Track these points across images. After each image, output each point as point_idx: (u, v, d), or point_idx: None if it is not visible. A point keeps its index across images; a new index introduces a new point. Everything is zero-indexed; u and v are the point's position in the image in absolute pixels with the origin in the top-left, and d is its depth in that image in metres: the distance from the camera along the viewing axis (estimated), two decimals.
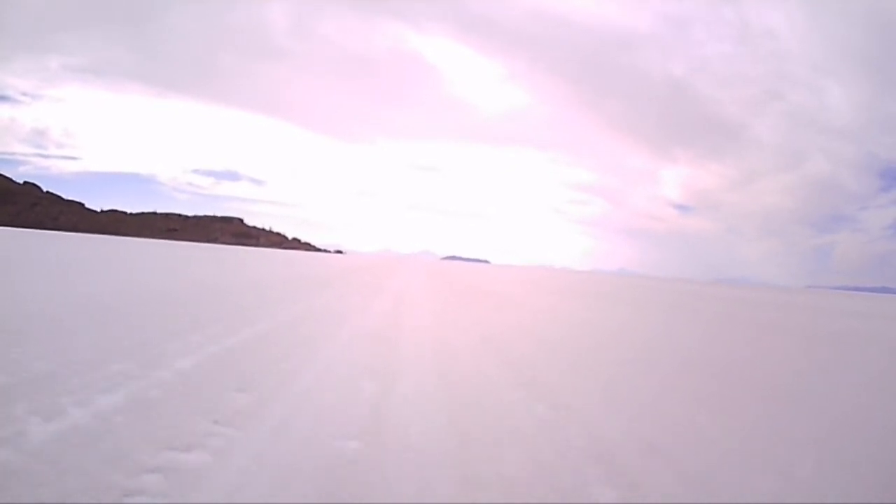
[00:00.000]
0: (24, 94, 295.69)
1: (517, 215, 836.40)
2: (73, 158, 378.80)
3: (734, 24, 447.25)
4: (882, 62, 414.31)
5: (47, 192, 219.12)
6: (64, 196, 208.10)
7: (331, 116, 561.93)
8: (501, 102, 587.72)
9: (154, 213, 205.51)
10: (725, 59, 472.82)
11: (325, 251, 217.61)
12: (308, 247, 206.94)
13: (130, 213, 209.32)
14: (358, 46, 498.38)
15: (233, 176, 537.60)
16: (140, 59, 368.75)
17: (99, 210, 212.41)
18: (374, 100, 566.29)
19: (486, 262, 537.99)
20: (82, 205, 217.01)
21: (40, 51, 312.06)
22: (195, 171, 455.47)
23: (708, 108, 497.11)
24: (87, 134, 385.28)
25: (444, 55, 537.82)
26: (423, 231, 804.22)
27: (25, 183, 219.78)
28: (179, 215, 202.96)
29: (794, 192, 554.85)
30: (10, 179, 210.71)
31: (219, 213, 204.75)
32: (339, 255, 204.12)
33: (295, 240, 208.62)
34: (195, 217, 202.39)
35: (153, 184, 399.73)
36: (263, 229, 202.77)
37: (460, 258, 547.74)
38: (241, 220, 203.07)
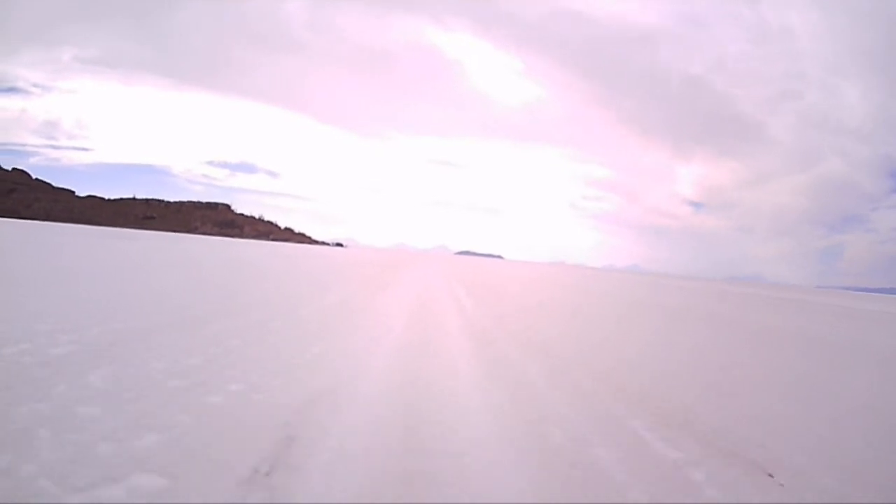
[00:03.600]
0: (36, 85, 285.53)
1: (532, 210, 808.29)
2: (86, 150, 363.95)
3: (751, 23, 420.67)
4: None
5: (36, 179, 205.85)
6: (59, 185, 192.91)
7: (348, 110, 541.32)
8: (518, 98, 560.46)
9: (133, 199, 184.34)
10: (742, 57, 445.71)
11: (324, 244, 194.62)
12: (304, 238, 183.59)
13: (108, 200, 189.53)
14: (375, 40, 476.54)
15: (248, 168, 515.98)
16: (154, 50, 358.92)
17: (78, 196, 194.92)
18: (391, 94, 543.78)
19: (499, 257, 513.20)
20: (72, 192, 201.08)
21: (52, 42, 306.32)
22: (210, 163, 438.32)
23: (724, 107, 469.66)
24: (100, 125, 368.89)
25: (462, 50, 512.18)
26: (439, 226, 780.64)
27: (14, 169, 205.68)
28: (160, 201, 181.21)
29: (808, 191, 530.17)
30: None
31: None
32: (338, 248, 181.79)
33: (288, 230, 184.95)
34: (177, 203, 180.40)
35: (167, 175, 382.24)
36: (252, 217, 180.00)
37: (474, 253, 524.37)
38: (227, 207, 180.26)
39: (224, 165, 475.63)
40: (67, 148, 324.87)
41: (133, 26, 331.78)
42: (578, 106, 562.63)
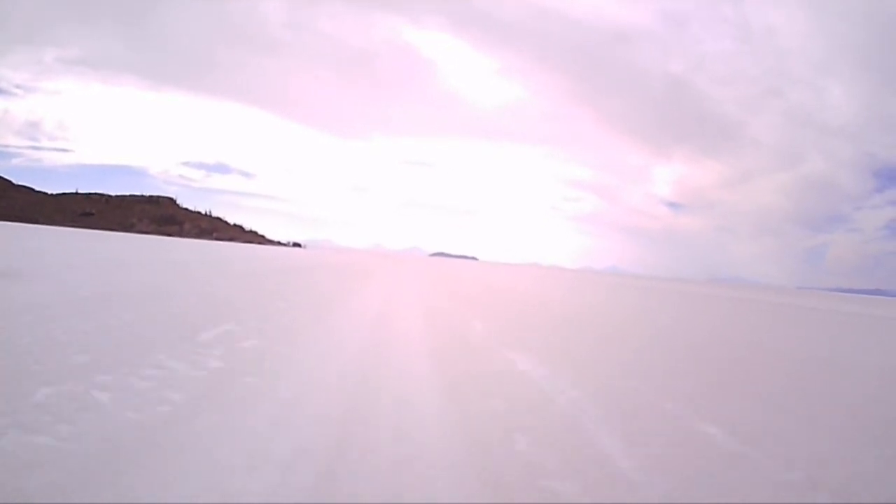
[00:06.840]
0: (18, 86, 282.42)
1: (509, 211, 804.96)
2: (66, 151, 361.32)
3: (734, 22, 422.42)
4: (882, 61, 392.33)
5: None
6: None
7: (325, 111, 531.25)
8: (496, 97, 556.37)
9: (76, 194, 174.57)
10: (724, 56, 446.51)
11: (279, 244, 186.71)
12: (254, 237, 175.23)
13: (51, 195, 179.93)
14: (354, 40, 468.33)
15: (225, 169, 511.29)
16: (135, 51, 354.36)
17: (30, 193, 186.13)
18: (369, 94, 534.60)
19: (473, 258, 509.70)
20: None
21: (35, 43, 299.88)
22: (186, 164, 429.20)
23: (706, 106, 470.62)
24: (81, 126, 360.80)
25: (440, 49, 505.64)
26: (414, 227, 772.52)
27: None
28: (101, 196, 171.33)
29: (790, 191, 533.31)
30: None
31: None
32: (295, 249, 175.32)
33: (237, 227, 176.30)
34: (119, 198, 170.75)
35: (144, 176, 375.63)
36: (197, 213, 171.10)
37: (448, 255, 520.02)
38: (171, 201, 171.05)
39: (200, 166, 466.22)
40: (49, 149, 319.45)
41: (115, 27, 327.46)
42: (558, 106, 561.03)
